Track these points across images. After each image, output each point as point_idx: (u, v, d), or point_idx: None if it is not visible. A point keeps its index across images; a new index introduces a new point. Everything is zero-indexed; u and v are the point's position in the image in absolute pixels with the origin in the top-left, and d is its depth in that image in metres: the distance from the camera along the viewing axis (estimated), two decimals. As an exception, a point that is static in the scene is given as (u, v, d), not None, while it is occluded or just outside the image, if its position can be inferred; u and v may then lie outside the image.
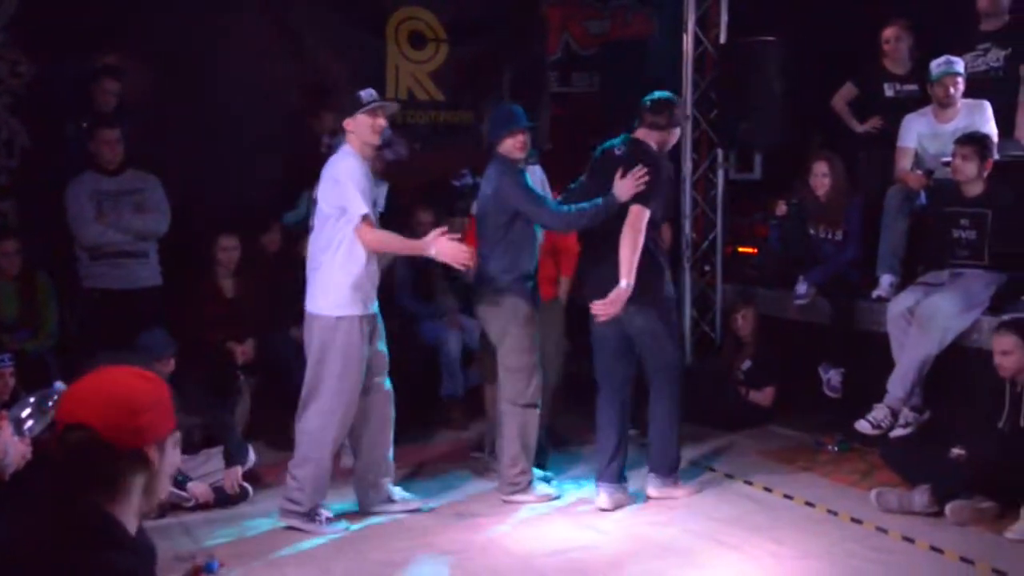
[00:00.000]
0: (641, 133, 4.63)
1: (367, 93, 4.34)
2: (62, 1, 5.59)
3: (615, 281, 4.39)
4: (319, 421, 4.34)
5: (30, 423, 2.53)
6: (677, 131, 4.74)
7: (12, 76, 5.65)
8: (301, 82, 6.50)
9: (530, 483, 4.75)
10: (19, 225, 5.61)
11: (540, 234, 4.80)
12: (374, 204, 4.39)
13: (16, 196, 5.70)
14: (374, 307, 4.42)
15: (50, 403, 2.56)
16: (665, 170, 4.70)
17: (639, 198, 4.46)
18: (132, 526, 1.89)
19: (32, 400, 2.56)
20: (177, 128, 5.82)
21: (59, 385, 2.57)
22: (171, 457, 1.95)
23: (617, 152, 4.62)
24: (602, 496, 4.67)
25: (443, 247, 4.27)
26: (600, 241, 4.55)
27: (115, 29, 5.70)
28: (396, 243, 4.45)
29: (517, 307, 4.64)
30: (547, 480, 4.95)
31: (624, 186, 4.43)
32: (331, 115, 6.20)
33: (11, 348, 4.58)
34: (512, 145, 4.63)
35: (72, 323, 5.47)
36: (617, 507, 4.65)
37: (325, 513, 4.41)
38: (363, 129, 4.30)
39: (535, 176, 4.94)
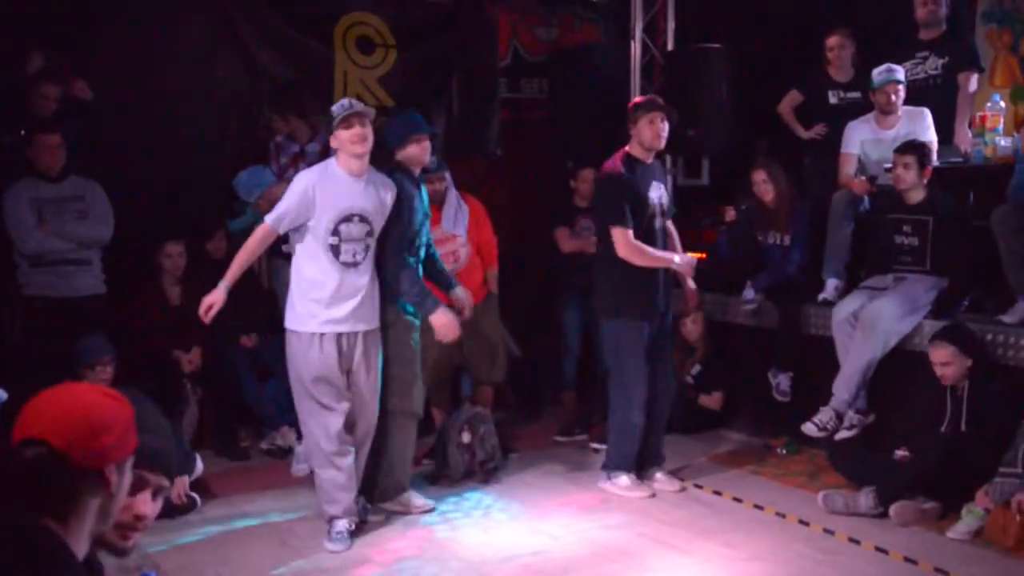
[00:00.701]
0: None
1: (338, 106, 4.30)
2: (10, 8, 5.46)
3: (613, 295, 4.84)
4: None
5: None
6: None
7: (-56, 82, 5.50)
8: (255, 85, 6.44)
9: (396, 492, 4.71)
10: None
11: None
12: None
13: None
14: (345, 326, 4.33)
15: None
16: (613, 183, 4.80)
17: (610, 220, 4.73)
18: (82, 549, 1.83)
19: None
20: (119, 132, 5.71)
21: (0, 393, 2.50)
22: (128, 480, 1.89)
23: None
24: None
25: None
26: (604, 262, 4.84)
27: (53, 31, 5.57)
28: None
29: (392, 317, 4.55)
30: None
31: None
32: (297, 118, 6.20)
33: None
34: (417, 152, 4.54)
35: (12, 332, 5.33)
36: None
37: (340, 525, 4.35)
38: (344, 142, 4.26)
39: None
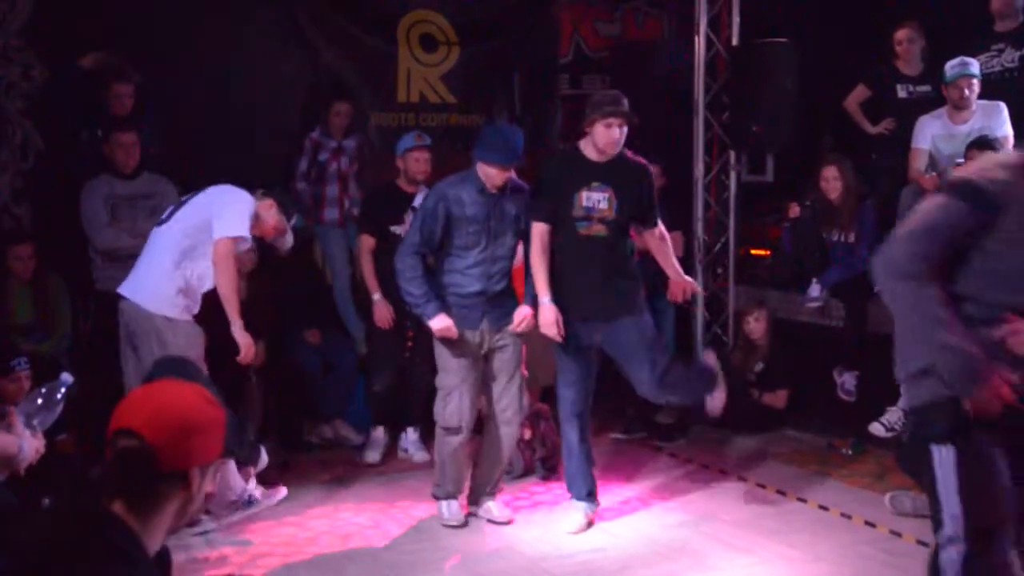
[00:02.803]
0: None
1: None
2: (75, 5, 5.61)
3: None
4: None
5: (40, 417, 2.54)
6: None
7: (25, 80, 5.65)
8: (313, 82, 6.52)
9: (436, 498, 4.61)
10: (33, 228, 5.63)
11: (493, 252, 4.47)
12: None
13: (30, 199, 5.71)
14: None
15: (58, 395, 2.58)
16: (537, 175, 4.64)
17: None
18: (156, 544, 1.86)
19: (42, 392, 2.57)
20: (189, 130, 5.85)
21: (66, 377, 2.59)
22: (209, 483, 1.91)
23: None
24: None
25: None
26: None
27: (128, 32, 5.71)
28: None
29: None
30: None
31: None
32: (347, 116, 6.27)
33: (26, 350, 4.60)
34: (495, 174, 4.34)
35: (86, 325, 5.50)
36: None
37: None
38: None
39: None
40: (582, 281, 4.43)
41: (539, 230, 4.43)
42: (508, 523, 4.55)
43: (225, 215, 4.37)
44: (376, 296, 5.41)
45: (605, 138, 4.35)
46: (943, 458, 2.54)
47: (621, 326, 4.46)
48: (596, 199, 4.42)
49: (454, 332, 4.35)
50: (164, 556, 1.96)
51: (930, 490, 2.59)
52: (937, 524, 2.58)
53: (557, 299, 4.40)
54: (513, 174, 4.42)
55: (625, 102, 4.37)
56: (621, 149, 4.44)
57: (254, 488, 4.55)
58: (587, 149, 4.45)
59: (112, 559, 1.75)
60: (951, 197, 2.56)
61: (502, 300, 4.49)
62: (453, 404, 4.42)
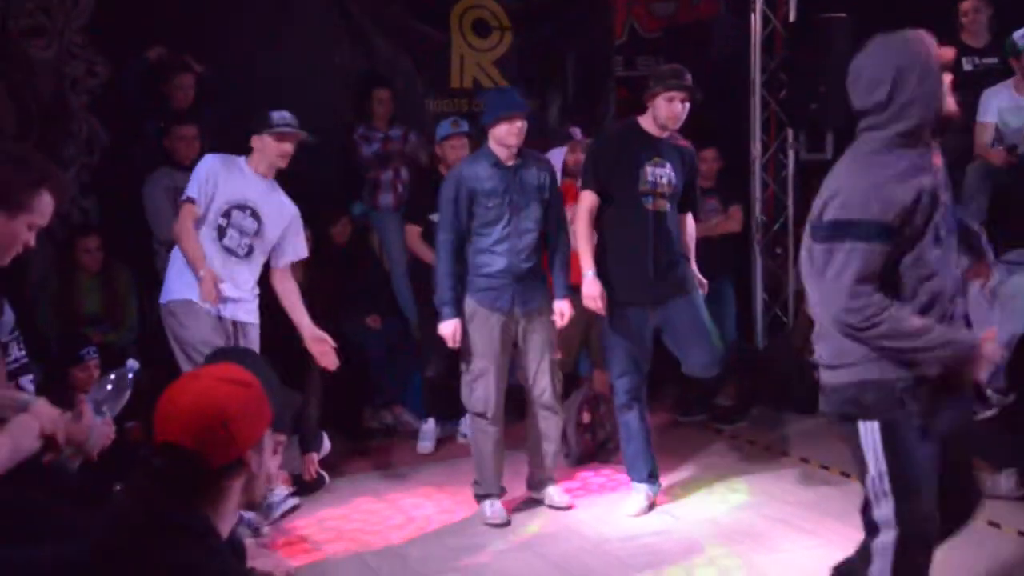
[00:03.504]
0: None
1: (279, 116, 4.30)
2: (136, 1, 5.72)
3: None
4: None
5: (109, 403, 2.60)
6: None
7: (89, 76, 5.79)
8: (372, 71, 6.55)
9: (477, 498, 4.54)
10: (100, 221, 5.76)
11: (520, 228, 4.37)
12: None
13: (97, 193, 5.85)
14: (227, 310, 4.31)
15: (126, 381, 2.63)
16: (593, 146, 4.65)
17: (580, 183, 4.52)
18: (227, 526, 1.90)
19: (112, 378, 2.62)
20: (244, 120, 5.92)
21: (132, 363, 2.63)
22: (268, 453, 1.93)
23: None
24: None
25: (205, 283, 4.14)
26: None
27: (185, 26, 5.79)
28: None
29: (470, 308, 4.40)
30: None
31: None
32: (389, 103, 6.31)
33: (94, 341, 4.72)
34: (505, 132, 4.28)
35: (152, 316, 5.61)
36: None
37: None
38: (269, 151, 4.32)
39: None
40: (644, 261, 4.38)
41: (588, 200, 4.41)
42: (569, 508, 4.56)
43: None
44: None
45: (667, 111, 4.33)
46: (870, 432, 2.66)
47: (675, 307, 4.44)
48: (659, 174, 4.40)
49: (456, 342, 4.33)
50: (236, 540, 2.01)
51: (860, 463, 2.72)
52: (866, 505, 2.71)
53: (616, 278, 4.38)
54: (524, 127, 4.31)
55: (689, 77, 4.35)
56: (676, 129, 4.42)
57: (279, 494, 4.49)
58: (646, 123, 4.42)
59: (189, 544, 1.80)
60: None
61: (532, 281, 4.41)
62: (480, 390, 4.38)
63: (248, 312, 4.42)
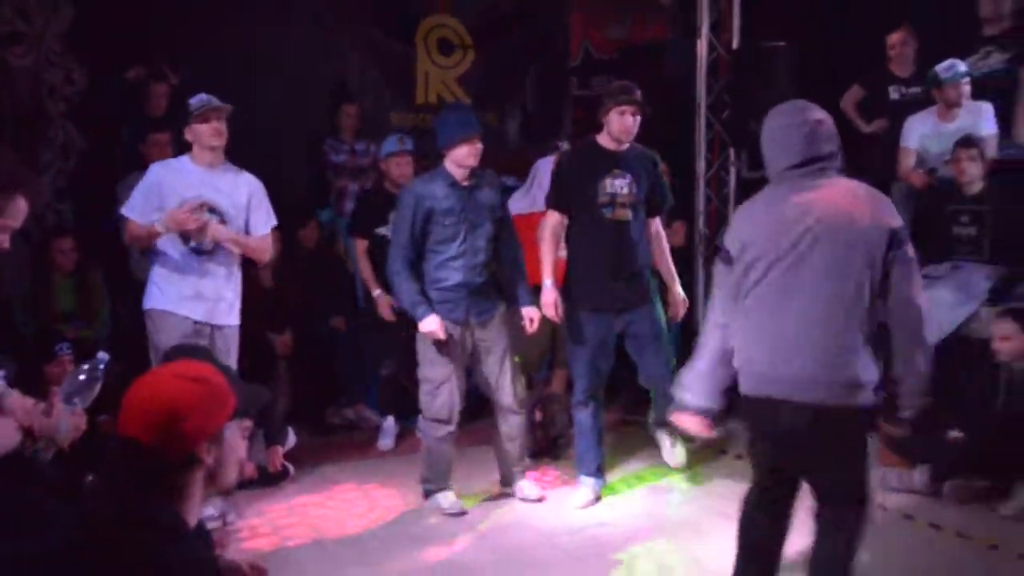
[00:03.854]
0: None
1: (196, 100, 4.19)
2: (114, 12, 5.72)
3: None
4: None
5: (81, 395, 2.58)
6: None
7: (67, 84, 5.80)
8: (331, 84, 6.62)
9: (427, 493, 4.58)
10: (75, 223, 5.77)
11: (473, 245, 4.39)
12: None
13: (72, 197, 5.86)
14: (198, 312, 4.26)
15: (97, 373, 2.61)
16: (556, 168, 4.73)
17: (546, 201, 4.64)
18: (193, 516, 1.91)
19: (84, 369, 2.59)
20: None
21: (102, 355, 2.58)
22: (233, 444, 1.93)
23: None
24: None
25: (167, 218, 4.09)
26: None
27: (164, 38, 5.82)
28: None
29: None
30: None
31: None
32: (356, 117, 6.38)
33: (68, 337, 4.73)
34: (465, 153, 4.28)
35: (124, 313, 5.63)
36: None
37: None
38: (201, 135, 4.19)
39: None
40: (607, 269, 4.48)
41: (553, 219, 4.56)
42: (541, 500, 4.62)
43: None
44: (376, 292, 5.39)
45: (619, 125, 4.44)
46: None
47: (639, 314, 4.54)
48: (619, 184, 4.50)
49: (442, 335, 4.30)
50: (202, 528, 2.04)
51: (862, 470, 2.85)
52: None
53: (581, 285, 4.49)
54: (482, 148, 4.32)
55: (638, 92, 4.47)
56: (632, 141, 4.53)
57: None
58: (603, 140, 4.53)
59: (158, 534, 1.82)
60: None
61: (486, 293, 4.44)
62: (442, 397, 4.40)
63: (226, 313, 4.35)
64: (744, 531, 3.07)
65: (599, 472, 4.70)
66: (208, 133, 4.16)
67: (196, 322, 4.26)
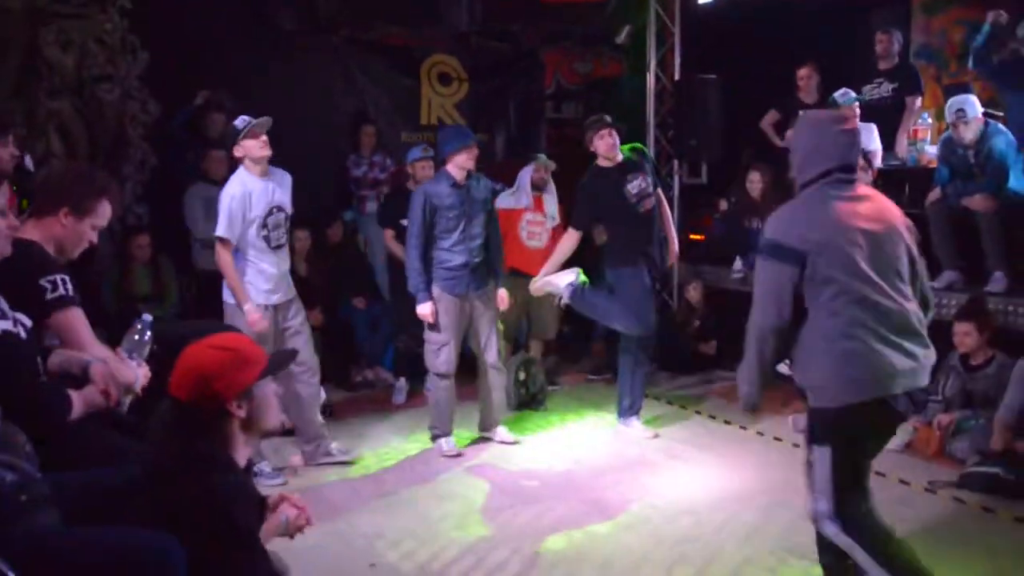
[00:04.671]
0: None
1: (240, 121, 3.98)
2: (180, 57, 5.73)
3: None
4: None
5: (138, 350, 2.51)
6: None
7: (143, 112, 5.82)
8: (353, 109, 6.58)
9: (434, 438, 4.55)
10: (150, 223, 5.75)
11: (477, 228, 4.38)
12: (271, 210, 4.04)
13: (148, 202, 5.84)
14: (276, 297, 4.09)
15: (146, 331, 2.54)
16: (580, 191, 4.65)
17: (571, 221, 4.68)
18: (243, 457, 1.92)
19: (137, 329, 2.54)
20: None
21: (146, 317, 2.53)
22: (262, 399, 1.91)
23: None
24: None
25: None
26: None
27: (217, 76, 5.78)
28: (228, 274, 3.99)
29: (436, 293, 4.37)
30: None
31: None
32: (373, 135, 6.34)
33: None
34: (465, 158, 4.29)
35: (189, 295, 5.61)
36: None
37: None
38: (252, 151, 3.99)
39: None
40: (647, 245, 4.60)
41: (573, 236, 4.62)
42: (515, 443, 4.61)
43: None
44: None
45: (603, 145, 4.53)
46: (820, 454, 2.46)
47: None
48: (638, 184, 4.58)
49: (432, 319, 4.32)
50: (250, 467, 2.03)
51: (809, 476, 2.51)
52: (814, 500, 2.49)
53: (627, 252, 4.56)
54: (477, 153, 4.36)
55: (608, 117, 4.57)
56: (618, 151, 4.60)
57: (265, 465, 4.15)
58: (602, 162, 4.61)
59: (211, 469, 1.85)
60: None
61: (482, 271, 4.45)
62: (444, 355, 4.40)
63: (287, 292, 4.18)
64: (881, 538, 2.45)
65: (631, 410, 4.80)
66: (257, 146, 4.00)
67: (266, 307, 4.04)
